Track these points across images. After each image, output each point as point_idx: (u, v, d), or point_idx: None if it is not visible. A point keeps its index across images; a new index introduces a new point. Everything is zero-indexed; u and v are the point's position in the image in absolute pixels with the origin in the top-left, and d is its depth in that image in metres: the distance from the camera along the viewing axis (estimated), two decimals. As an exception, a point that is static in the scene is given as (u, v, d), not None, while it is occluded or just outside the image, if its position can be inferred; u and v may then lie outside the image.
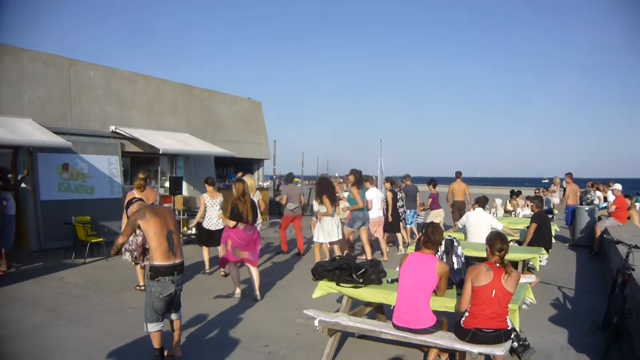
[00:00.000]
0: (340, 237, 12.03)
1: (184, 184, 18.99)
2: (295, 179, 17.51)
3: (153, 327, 6.18)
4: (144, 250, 9.32)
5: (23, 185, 13.62)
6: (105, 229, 14.84)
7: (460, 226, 12.21)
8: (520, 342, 6.82)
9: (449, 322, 6.11)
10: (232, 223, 9.39)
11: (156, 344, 6.21)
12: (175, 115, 20.22)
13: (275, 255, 14.44)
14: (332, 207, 11.79)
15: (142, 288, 9.75)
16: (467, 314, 5.68)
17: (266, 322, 8.23)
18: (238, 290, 9.69)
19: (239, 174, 19.36)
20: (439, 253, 8.53)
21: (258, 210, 10.72)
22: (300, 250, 14.68)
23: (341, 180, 16.71)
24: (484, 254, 8.89)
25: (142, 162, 18.97)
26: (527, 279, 9.13)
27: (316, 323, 6.30)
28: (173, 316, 6.56)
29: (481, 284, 5.54)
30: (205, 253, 11.78)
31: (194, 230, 14.51)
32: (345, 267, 6.80)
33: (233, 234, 9.45)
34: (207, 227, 11.79)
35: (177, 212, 16.09)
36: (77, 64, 16.59)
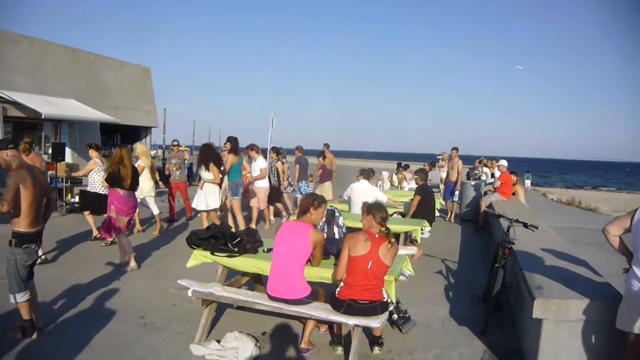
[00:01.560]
0: (217, 206, 11.95)
1: (68, 151, 18.41)
2: (182, 147, 17.25)
3: (22, 297, 6.02)
4: None
5: None
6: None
7: (346, 198, 12.33)
8: (401, 315, 6.88)
9: (325, 293, 6.06)
10: (105, 184, 9.42)
11: (26, 314, 6.07)
12: (59, 80, 19.57)
13: (154, 225, 14.03)
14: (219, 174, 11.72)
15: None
16: (342, 284, 5.66)
17: (144, 292, 8.12)
18: (133, 263, 9.49)
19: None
20: (319, 223, 8.66)
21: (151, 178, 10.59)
22: (187, 214, 14.93)
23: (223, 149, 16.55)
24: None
25: (25, 128, 18.25)
26: (408, 250, 9.26)
27: (189, 293, 6.19)
28: (30, 284, 6.27)
29: (358, 254, 5.51)
30: (90, 219, 11.57)
31: (77, 199, 14.22)
32: (219, 236, 6.69)
33: (115, 199, 9.31)
34: (93, 191, 11.59)
35: (60, 179, 15.73)
36: (-45, 22, 15.80)
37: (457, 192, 17.18)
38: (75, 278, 8.69)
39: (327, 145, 18.28)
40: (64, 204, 15.42)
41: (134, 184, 9.52)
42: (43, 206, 6.18)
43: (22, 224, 5.92)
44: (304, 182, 16.55)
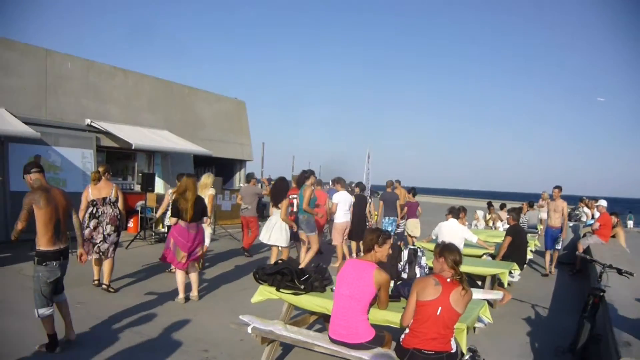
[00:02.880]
0: (284, 243, 11.63)
1: (161, 182, 18.79)
2: (266, 181, 17.21)
3: (44, 312, 6.33)
4: (92, 245, 9.38)
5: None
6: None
7: (433, 237, 11.88)
8: (478, 364, 6.48)
9: (393, 338, 5.64)
10: (173, 220, 9.20)
11: (49, 329, 6.41)
12: (153, 111, 19.98)
13: (237, 257, 14.13)
14: (286, 210, 11.53)
15: (97, 282, 9.83)
16: (407, 330, 5.19)
17: (213, 325, 7.94)
18: (181, 296, 9.29)
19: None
20: (401, 263, 8.28)
21: (207, 209, 10.32)
22: (245, 247, 14.52)
23: (327, 186, 16.29)
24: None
25: (119, 158, 18.81)
26: (493, 295, 8.74)
27: (249, 330, 5.99)
28: (58, 298, 6.69)
29: (426, 299, 5.02)
30: None
31: (166, 229, 14.37)
32: (286, 272, 6.46)
33: (175, 230, 9.19)
34: (168, 224, 11.61)
35: (151, 209, 15.95)
36: (54, 55, 16.42)
37: (561, 240, 15.22)
38: (147, 306, 8.71)
39: (398, 182, 17.93)
40: (153, 233, 15.66)
41: (196, 216, 9.33)
42: (60, 227, 6.46)
43: (41, 243, 6.28)
44: (387, 218, 16.13)
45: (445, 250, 5.32)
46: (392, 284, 7.20)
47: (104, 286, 9.74)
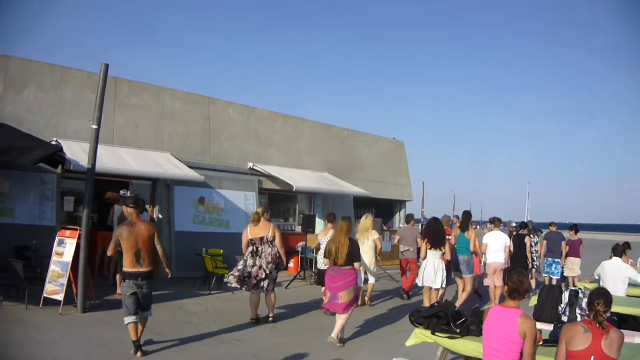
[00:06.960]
0: (440, 285, 11.33)
1: (321, 223, 18.96)
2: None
3: (127, 320, 7.68)
4: (242, 278, 9.93)
5: (159, 215, 14.79)
6: (237, 262, 14.90)
7: (596, 277, 11.25)
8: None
9: None
10: (326, 261, 9.53)
11: (132, 335, 7.69)
12: (313, 154, 20.42)
13: (395, 298, 13.95)
14: (438, 251, 11.28)
15: (254, 320, 10.12)
16: None
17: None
18: (334, 335, 8.98)
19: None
20: (562, 305, 7.88)
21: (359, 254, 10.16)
22: (404, 288, 14.16)
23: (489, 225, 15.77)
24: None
25: (281, 200, 19.32)
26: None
27: (400, 372, 5.88)
28: (142, 314, 7.90)
29: (576, 349, 4.67)
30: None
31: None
32: (442, 315, 6.31)
33: (326, 272, 9.45)
34: (319, 267, 12.12)
35: (311, 250, 16.12)
36: (217, 103, 17.35)
37: None
38: (303, 346, 8.73)
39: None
40: (313, 274, 15.82)
41: (346, 259, 9.07)
42: (141, 255, 7.76)
43: (124, 264, 7.79)
44: (549, 259, 15.44)
45: (593, 294, 4.95)
46: (551, 327, 6.88)
47: (270, 319, 10.22)
